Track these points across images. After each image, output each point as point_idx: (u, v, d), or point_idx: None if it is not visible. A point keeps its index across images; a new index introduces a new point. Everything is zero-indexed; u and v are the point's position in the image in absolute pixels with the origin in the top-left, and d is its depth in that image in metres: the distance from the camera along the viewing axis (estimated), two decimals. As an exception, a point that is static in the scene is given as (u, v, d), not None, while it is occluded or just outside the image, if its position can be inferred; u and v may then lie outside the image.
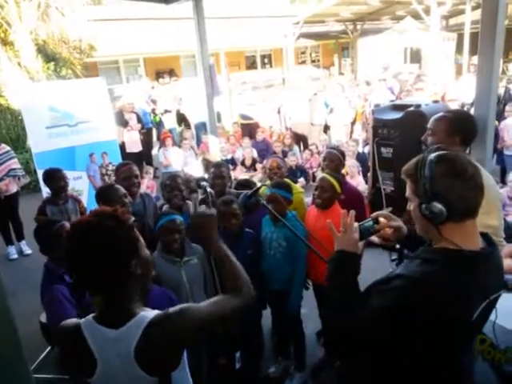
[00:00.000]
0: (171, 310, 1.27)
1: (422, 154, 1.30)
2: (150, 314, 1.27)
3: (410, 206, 1.34)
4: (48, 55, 10.46)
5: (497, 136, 5.97)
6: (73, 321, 1.35)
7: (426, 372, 1.27)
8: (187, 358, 1.60)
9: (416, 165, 1.28)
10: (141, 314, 1.26)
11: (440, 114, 2.28)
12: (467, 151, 2.33)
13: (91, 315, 1.31)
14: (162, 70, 15.84)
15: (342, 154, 3.46)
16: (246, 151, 7.81)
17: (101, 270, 1.21)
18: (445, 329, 1.19)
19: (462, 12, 14.71)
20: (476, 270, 1.23)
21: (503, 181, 6.17)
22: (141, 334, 1.22)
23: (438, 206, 1.21)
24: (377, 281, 1.35)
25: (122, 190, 2.92)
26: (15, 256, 5.65)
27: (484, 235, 1.33)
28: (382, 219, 1.53)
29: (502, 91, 8.38)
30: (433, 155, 1.25)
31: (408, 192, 1.34)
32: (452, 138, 2.17)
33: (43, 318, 3.27)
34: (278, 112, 9.71)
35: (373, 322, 1.23)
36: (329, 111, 9.05)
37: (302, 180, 7.23)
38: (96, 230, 1.22)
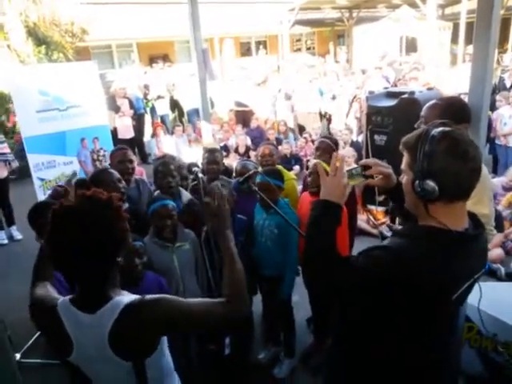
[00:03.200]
0: (148, 296, 1.25)
1: (426, 127, 1.26)
2: (125, 298, 1.26)
3: (403, 179, 1.31)
4: (39, 38, 10.25)
5: (489, 125, 5.98)
6: (50, 299, 1.33)
7: (412, 356, 1.27)
8: (176, 343, 1.58)
9: (418, 138, 1.24)
10: (116, 299, 1.24)
11: (433, 101, 2.26)
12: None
13: (68, 297, 1.30)
14: (156, 56, 15.61)
15: (335, 142, 3.42)
16: (239, 138, 7.76)
17: (88, 258, 1.19)
18: (422, 303, 1.17)
19: (457, 1, 14.60)
20: (462, 251, 1.22)
21: (495, 171, 6.21)
22: (115, 318, 1.21)
23: (431, 184, 1.18)
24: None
25: (117, 174, 2.86)
26: (5, 241, 5.60)
27: (472, 217, 1.31)
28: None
29: (496, 81, 8.39)
30: (437, 130, 1.20)
31: (403, 164, 1.30)
32: None
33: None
34: (288, 98, 9.59)
35: (352, 277, 1.24)
36: (331, 98, 8.99)
37: (296, 168, 7.21)
38: (93, 219, 1.19)
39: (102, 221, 1.20)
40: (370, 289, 1.21)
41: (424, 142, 1.20)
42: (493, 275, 4.07)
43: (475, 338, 2.68)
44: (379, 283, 1.19)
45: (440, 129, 1.21)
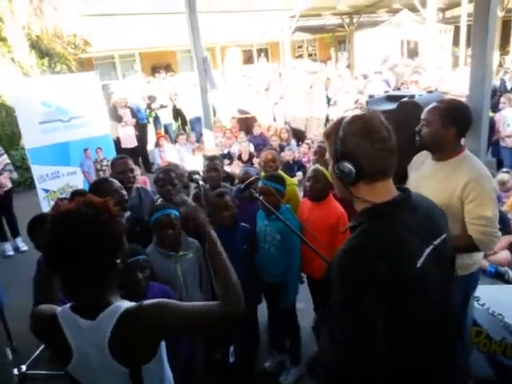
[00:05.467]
0: (147, 302, 1.26)
1: (341, 116, 1.32)
2: (124, 304, 1.27)
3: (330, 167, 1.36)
4: (42, 51, 10.37)
5: (492, 128, 5.96)
6: (49, 308, 1.34)
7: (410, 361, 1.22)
8: (184, 351, 1.57)
9: (334, 125, 1.31)
10: (115, 304, 1.25)
11: (434, 104, 2.25)
12: (462, 142, 2.30)
13: (68, 305, 1.30)
14: (159, 65, 15.72)
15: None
16: (242, 145, 7.76)
17: (87, 260, 1.20)
18: (393, 283, 1.14)
19: (458, 4, 14.62)
20: (397, 218, 1.23)
21: (500, 173, 6.16)
22: (115, 323, 1.22)
23: (347, 165, 1.24)
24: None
25: (117, 183, 2.88)
26: (11, 253, 5.61)
27: (399, 188, 1.34)
28: None
29: (498, 83, 8.38)
30: (349, 116, 1.28)
31: (327, 153, 1.36)
32: (447, 129, 2.14)
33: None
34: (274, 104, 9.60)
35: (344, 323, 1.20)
36: (333, 103, 8.98)
37: (300, 174, 7.19)
38: (88, 222, 1.21)
39: (97, 222, 1.22)
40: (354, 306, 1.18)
41: (339, 128, 1.26)
42: (500, 278, 4.03)
43: (484, 343, 2.65)
44: (352, 292, 1.17)
45: (352, 114, 1.28)
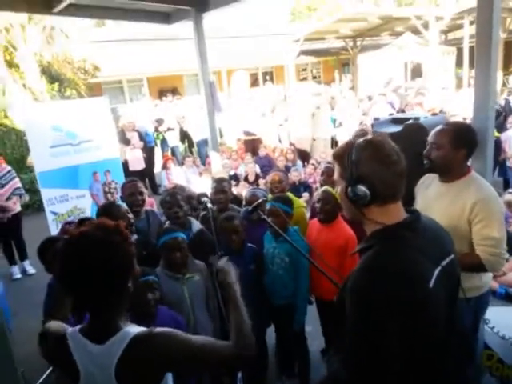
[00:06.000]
0: (157, 329, 1.26)
1: (351, 139, 1.36)
2: (133, 329, 1.27)
3: (338, 189, 1.39)
4: (52, 76, 10.63)
5: (499, 147, 5.97)
6: (60, 328, 1.34)
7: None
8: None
9: (344, 148, 1.34)
10: (124, 330, 1.25)
11: (442, 126, 2.26)
12: (468, 163, 2.32)
13: (78, 327, 1.31)
14: (166, 89, 16.02)
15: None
16: (248, 167, 7.80)
17: (99, 283, 1.22)
18: (406, 305, 1.15)
19: (460, 26, 14.84)
20: (409, 240, 1.25)
21: (507, 193, 6.13)
22: (123, 350, 1.22)
23: (362, 188, 1.26)
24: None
25: (124, 206, 2.91)
26: (18, 276, 5.63)
27: (407, 209, 1.36)
28: None
29: (502, 103, 8.43)
30: (361, 140, 1.31)
31: (336, 175, 1.40)
32: (457, 151, 2.16)
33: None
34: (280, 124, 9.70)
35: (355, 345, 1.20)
36: (338, 125, 9.06)
37: (306, 195, 7.20)
38: (102, 244, 1.23)
39: (107, 243, 1.24)
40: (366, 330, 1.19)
41: (351, 152, 1.29)
42: (511, 300, 3.97)
43: (496, 367, 2.60)
44: (365, 314, 1.18)
45: (363, 138, 1.32)
